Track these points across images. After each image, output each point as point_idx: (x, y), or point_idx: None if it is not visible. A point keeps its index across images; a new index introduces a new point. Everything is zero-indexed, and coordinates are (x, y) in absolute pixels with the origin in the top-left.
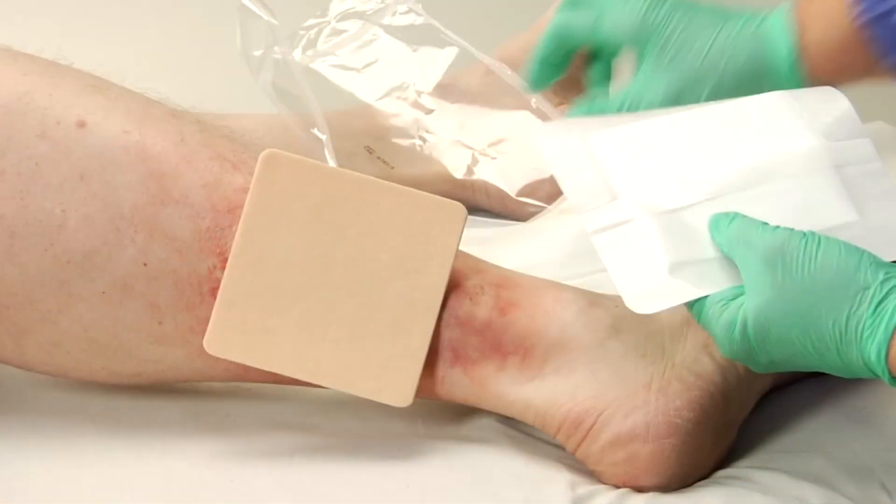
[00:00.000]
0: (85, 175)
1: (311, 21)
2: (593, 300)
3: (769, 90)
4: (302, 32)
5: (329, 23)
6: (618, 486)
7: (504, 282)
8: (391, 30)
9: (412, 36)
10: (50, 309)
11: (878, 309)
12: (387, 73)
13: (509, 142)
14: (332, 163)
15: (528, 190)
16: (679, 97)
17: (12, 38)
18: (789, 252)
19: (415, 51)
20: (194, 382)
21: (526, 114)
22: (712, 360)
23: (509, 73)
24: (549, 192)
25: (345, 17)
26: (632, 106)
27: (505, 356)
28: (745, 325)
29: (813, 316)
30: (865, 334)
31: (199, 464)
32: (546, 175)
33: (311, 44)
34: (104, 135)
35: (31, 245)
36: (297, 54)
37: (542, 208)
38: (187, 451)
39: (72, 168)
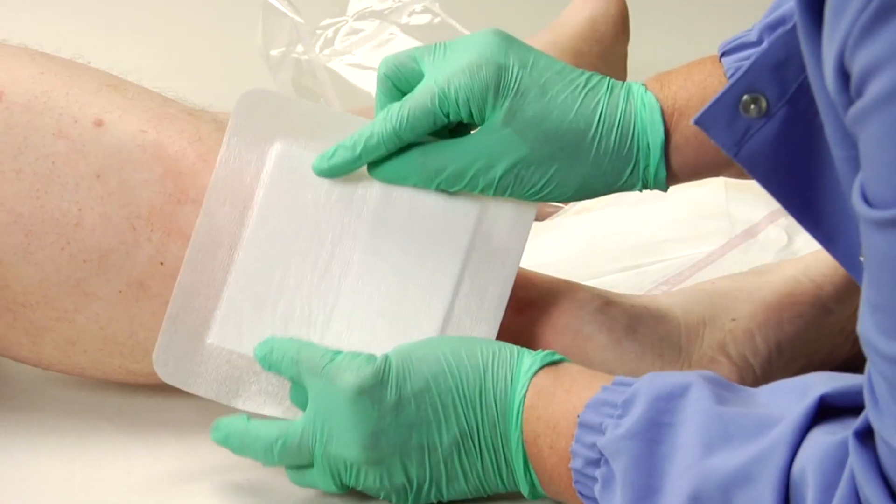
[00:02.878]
0: (102, 174)
1: (329, 20)
2: (610, 300)
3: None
4: (319, 32)
5: (346, 22)
6: None
7: (521, 281)
8: (408, 29)
9: (429, 35)
10: (66, 308)
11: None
12: None
13: None
14: None
15: None
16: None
17: (30, 37)
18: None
19: None
20: None
21: None
22: (729, 360)
23: None
24: None
25: (362, 16)
26: (477, 162)
27: None
28: (386, 363)
29: None
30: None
31: (213, 463)
32: None
33: (329, 43)
34: (121, 134)
35: (48, 244)
36: (304, 51)
37: (559, 208)
38: (202, 449)
39: (88, 167)
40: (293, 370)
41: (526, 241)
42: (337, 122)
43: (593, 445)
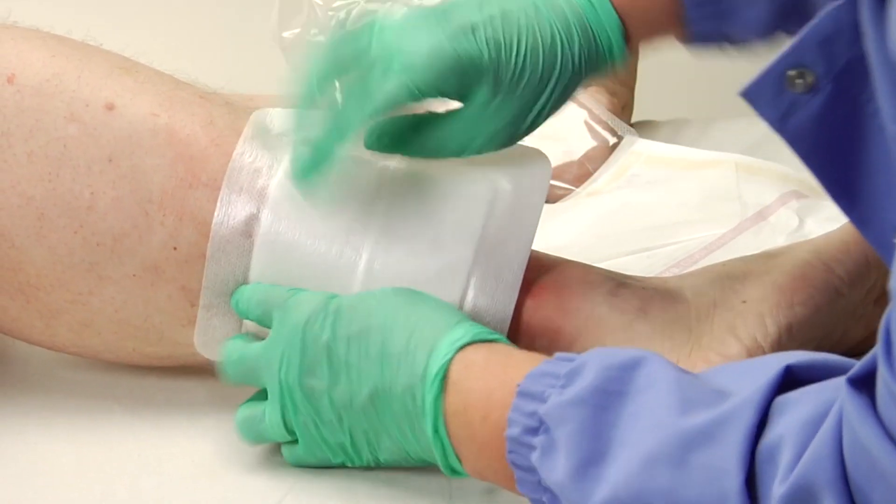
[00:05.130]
0: (113, 157)
1: (341, 2)
2: (621, 282)
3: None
4: (331, 13)
5: (359, 3)
6: None
7: (532, 263)
8: None
9: None
10: (80, 291)
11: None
12: None
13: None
14: None
15: (557, 172)
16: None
17: (41, 19)
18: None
19: None
20: None
21: None
22: (739, 342)
23: None
24: (577, 174)
25: None
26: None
27: (533, 338)
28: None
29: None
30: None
31: (225, 445)
32: (575, 157)
33: (341, 25)
34: (132, 117)
35: (60, 227)
36: (324, 35)
37: (571, 190)
38: (214, 431)
39: (100, 150)
40: (260, 309)
41: (538, 219)
42: None
43: (533, 413)
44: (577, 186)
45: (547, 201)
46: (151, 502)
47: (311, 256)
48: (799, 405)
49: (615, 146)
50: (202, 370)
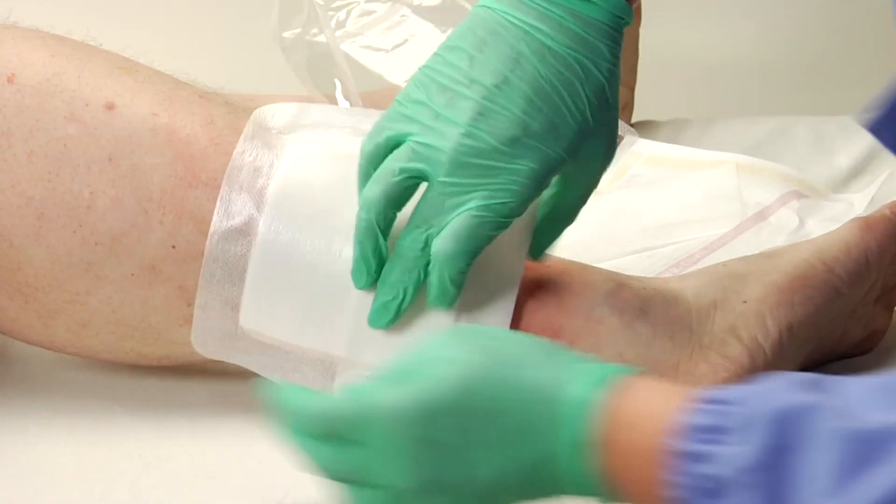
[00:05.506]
0: (113, 157)
1: (341, 2)
2: (622, 282)
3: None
4: (331, 13)
5: (359, 3)
6: None
7: (532, 263)
8: (420, 10)
9: (441, 17)
10: (78, 291)
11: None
12: (416, 54)
13: None
14: None
15: None
16: None
17: (41, 19)
18: None
19: (444, 32)
20: (223, 363)
21: None
22: (739, 343)
23: None
24: None
25: None
26: None
27: None
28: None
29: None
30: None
31: (226, 445)
32: None
33: (341, 24)
34: (132, 117)
35: (60, 227)
36: (325, 35)
37: None
38: (215, 431)
39: (100, 150)
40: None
41: (531, 235)
42: (350, 120)
43: (704, 475)
44: None
45: None
46: (152, 502)
47: (309, 256)
48: None
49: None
50: (202, 371)
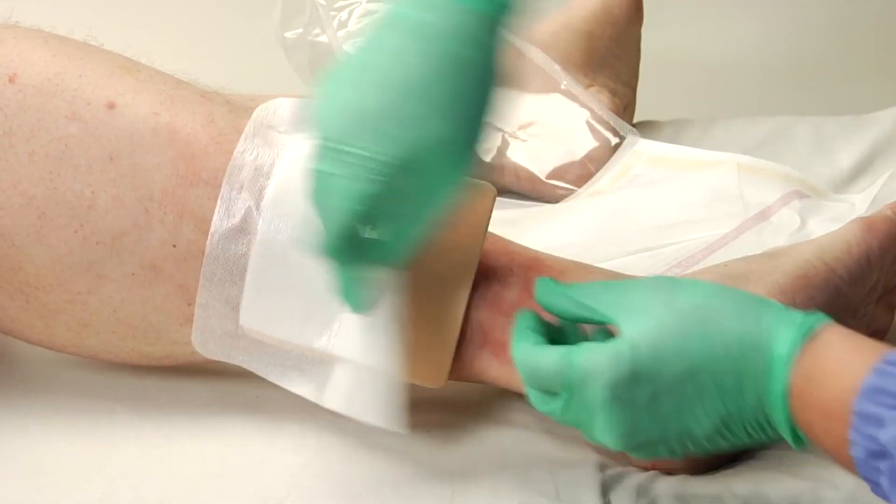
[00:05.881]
0: (114, 156)
1: (343, 2)
2: None
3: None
4: (333, 13)
5: (361, 3)
6: (646, 469)
7: (533, 263)
8: None
9: None
10: (79, 290)
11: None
12: None
13: (539, 124)
14: None
15: (558, 172)
16: None
17: (43, 19)
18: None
19: None
20: (223, 363)
21: (556, 96)
22: None
23: (540, 55)
24: (578, 174)
25: None
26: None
27: None
28: (635, 359)
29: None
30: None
31: (227, 445)
32: (576, 158)
33: (343, 24)
34: (133, 116)
35: (61, 226)
36: (327, 35)
37: (572, 191)
38: (216, 431)
39: (101, 150)
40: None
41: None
42: None
43: (874, 438)
44: (579, 186)
45: (549, 202)
46: (153, 502)
47: (309, 255)
48: None
49: (617, 146)
50: (204, 370)
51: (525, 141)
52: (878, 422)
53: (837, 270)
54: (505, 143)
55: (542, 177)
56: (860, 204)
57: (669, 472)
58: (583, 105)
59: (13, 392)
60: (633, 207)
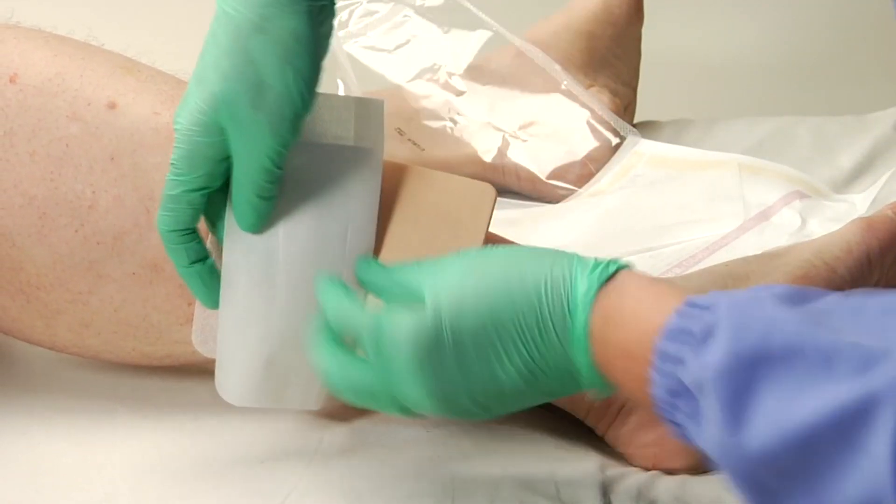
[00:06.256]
0: (115, 156)
1: (344, 2)
2: None
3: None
4: None
5: (361, 3)
6: (647, 469)
7: None
8: (422, 11)
9: (443, 17)
10: (80, 290)
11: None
12: (418, 54)
13: (540, 124)
14: None
15: (559, 172)
16: None
17: (43, 19)
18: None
19: (446, 32)
20: None
21: (557, 96)
22: None
23: (540, 55)
24: (579, 174)
25: None
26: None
27: None
28: (437, 322)
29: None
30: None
31: (228, 445)
32: (577, 158)
33: (343, 25)
34: (134, 116)
35: (62, 226)
36: None
37: (573, 191)
38: (217, 431)
39: (102, 149)
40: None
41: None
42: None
43: (674, 375)
44: (580, 187)
45: (549, 202)
46: (153, 502)
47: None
48: None
49: (618, 146)
50: (204, 370)
51: (525, 141)
52: (678, 361)
53: (838, 270)
54: (505, 143)
55: (543, 177)
56: (861, 204)
57: (670, 472)
58: (583, 105)
59: (14, 392)
60: (633, 207)
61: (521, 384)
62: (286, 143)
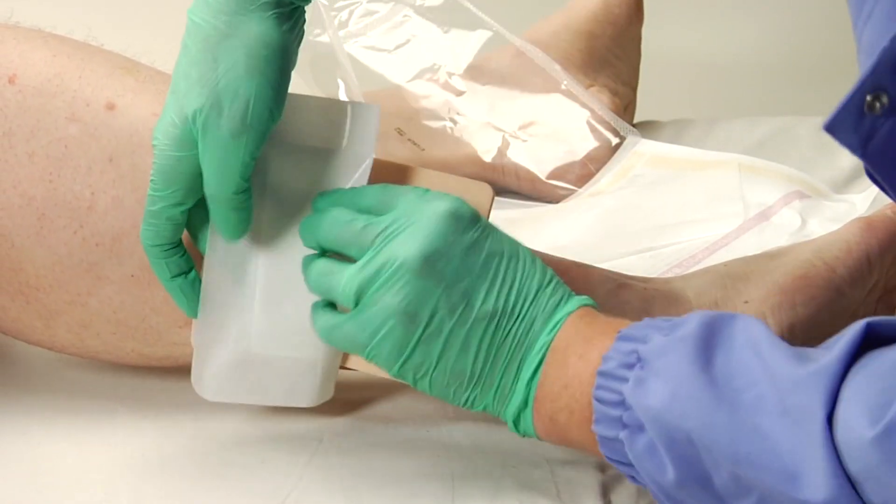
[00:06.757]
0: (114, 157)
1: (343, 2)
2: (623, 282)
3: None
4: (334, 13)
5: (361, 3)
6: None
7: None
8: (422, 11)
9: (443, 17)
10: (79, 291)
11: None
12: (418, 54)
13: (539, 124)
14: None
15: (559, 172)
16: None
17: (43, 19)
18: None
19: (446, 32)
20: None
21: (557, 96)
22: None
23: (540, 54)
24: (579, 174)
25: None
26: None
27: None
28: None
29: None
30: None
31: (228, 445)
32: (577, 158)
33: (343, 24)
34: (133, 117)
35: (61, 227)
36: (328, 35)
37: (573, 191)
38: (217, 432)
39: (101, 150)
40: (376, 198)
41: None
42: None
43: (632, 351)
44: (580, 187)
45: (549, 202)
46: (153, 502)
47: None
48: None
49: (617, 146)
50: None
51: (525, 141)
52: (641, 340)
53: (837, 270)
54: (505, 143)
55: (543, 177)
56: (860, 204)
57: None
58: (583, 105)
59: (14, 392)
60: (633, 207)
61: (480, 323)
62: (254, 154)
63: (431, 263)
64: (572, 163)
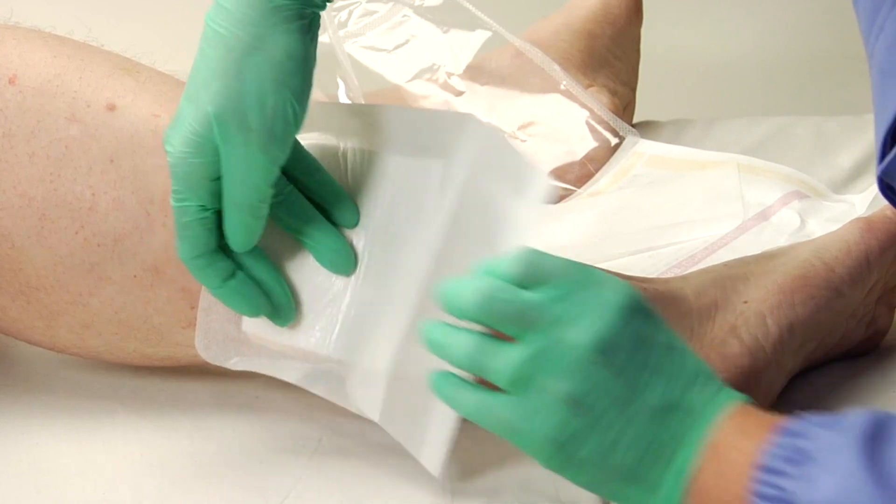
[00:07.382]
0: (115, 158)
1: (343, 2)
2: None
3: None
4: (333, 13)
5: (360, 3)
6: None
7: None
8: (421, 11)
9: (443, 17)
10: (80, 292)
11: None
12: (417, 54)
13: (539, 124)
14: None
15: (558, 173)
16: None
17: (43, 20)
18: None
19: (445, 32)
20: None
21: (556, 96)
22: (740, 343)
23: (539, 54)
24: (578, 174)
25: None
26: None
27: None
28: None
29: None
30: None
31: (228, 445)
32: (576, 158)
33: (343, 25)
34: (133, 118)
35: (61, 228)
36: (329, 35)
37: (572, 191)
38: (216, 432)
39: (102, 151)
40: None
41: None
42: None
43: (796, 447)
44: (579, 187)
45: (548, 202)
46: (153, 502)
47: (307, 257)
48: None
49: (617, 146)
50: (204, 371)
51: (525, 141)
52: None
53: (837, 270)
54: None
55: None
56: (860, 204)
57: None
58: (582, 105)
59: (14, 392)
60: (633, 207)
61: (641, 417)
62: (278, 162)
63: (604, 354)
64: (571, 163)
